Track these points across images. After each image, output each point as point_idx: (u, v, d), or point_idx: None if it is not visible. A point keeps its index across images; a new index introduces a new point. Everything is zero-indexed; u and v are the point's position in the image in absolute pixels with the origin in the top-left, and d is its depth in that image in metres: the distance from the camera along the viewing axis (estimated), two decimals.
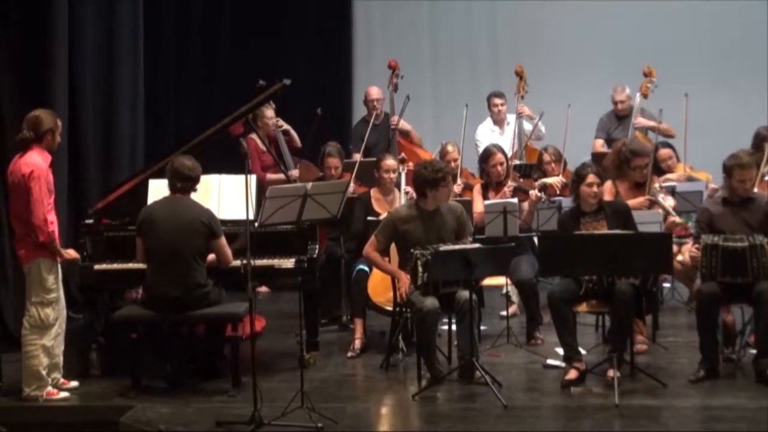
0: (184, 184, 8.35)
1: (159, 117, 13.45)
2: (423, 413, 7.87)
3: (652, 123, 11.97)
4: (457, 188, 10.77)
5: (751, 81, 13.26)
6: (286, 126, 11.75)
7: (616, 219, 8.70)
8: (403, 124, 12.22)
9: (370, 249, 8.80)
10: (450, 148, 11.27)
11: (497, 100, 12.34)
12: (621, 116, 12.25)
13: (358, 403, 8.14)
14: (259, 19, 14.22)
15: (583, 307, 8.60)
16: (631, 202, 9.50)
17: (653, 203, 9.75)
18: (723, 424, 7.40)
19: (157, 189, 8.82)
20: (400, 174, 10.22)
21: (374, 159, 10.74)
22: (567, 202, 9.66)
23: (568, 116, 11.07)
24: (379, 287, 9.31)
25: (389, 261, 8.99)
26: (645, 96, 12.14)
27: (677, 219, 9.69)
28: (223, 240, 8.38)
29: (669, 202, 9.77)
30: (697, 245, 8.38)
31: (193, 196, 8.46)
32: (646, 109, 12.18)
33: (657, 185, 10.04)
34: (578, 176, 8.81)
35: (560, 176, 10.65)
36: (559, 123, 11.37)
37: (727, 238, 8.24)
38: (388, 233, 8.71)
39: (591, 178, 8.71)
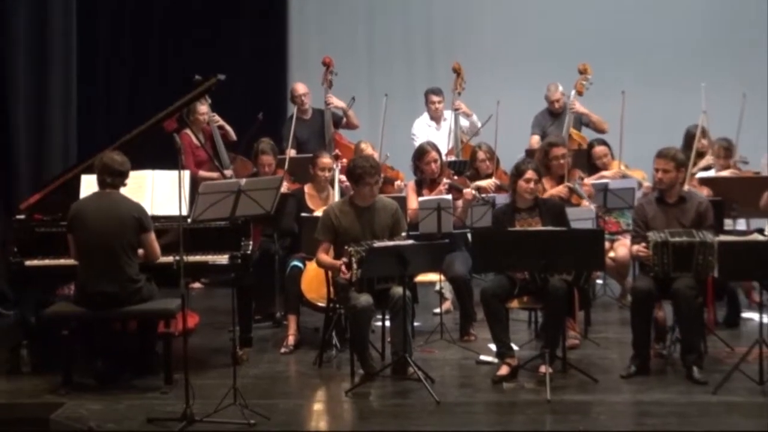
0: (113, 179, 8.29)
1: (92, 113, 13.34)
2: (356, 409, 7.88)
3: (586, 111, 12.08)
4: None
5: (686, 79, 13.36)
6: (220, 121, 11.71)
7: (550, 217, 8.76)
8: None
9: (319, 254, 8.72)
10: (363, 146, 11.30)
11: (435, 98, 12.38)
12: (555, 114, 12.32)
13: (290, 399, 8.12)
14: (193, 15, 14.16)
15: (516, 304, 8.65)
16: (552, 191, 9.62)
17: (572, 191, 9.85)
18: (653, 419, 7.46)
19: (90, 184, 8.73)
20: (333, 170, 10.21)
21: (307, 155, 10.72)
22: (501, 199, 9.72)
23: (497, 113, 11.10)
24: (313, 284, 9.30)
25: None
26: (580, 93, 12.21)
27: (591, 206, 9.82)
28: (153, 235, 8.33)
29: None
30: (644, 244, 8.44)
31: (126, 192, 8.40)
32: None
33: (577, 177, 10.15)
34: (517, 171, 8.85)
35: (493, 178, 10.68)
36: (492, 120, 11.37)
37: (673, 234, 8.33)
38: (328, 230, 8.69)
39: (530, 173, 8.76)
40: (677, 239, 8.29)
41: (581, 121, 12.31)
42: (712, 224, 8.57)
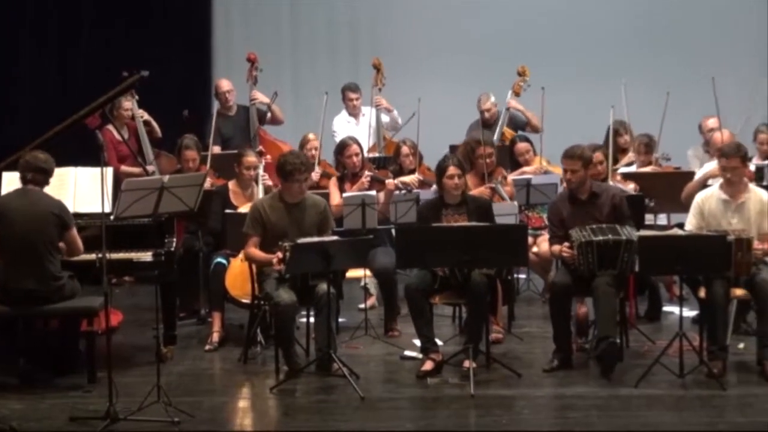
0: (35, 175, 8.21)
1: (14, 108, 13.21)
2: (281, 406, 7.88)
3: (522, 107, 12.20)
4: (315, 176, 10.78)
5: (607, 74, 13.49)
6: (146, 117, 11.62)
7: (477, 214, 8.79)
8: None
9: (248, 248, 8.70)
10: (311, 136, 11.35)
11: (351, 94, 12.38)
12: (488, 124, 12.37)
13: (215, 396, 8.10)
14: (117, 10, 14.05)
15: (439, 299, 8.70)
16: (475, 191, 9.69)
17: (494, 191, 9.93)
18: (575, 412, 7.55)
19: (11, 182, 8.64)
20: (258, 167, 10.19)
21: (231, 152, 10.70)
22: (425, 195, 9.76)
23: (419, 110, 11.14)
24: (238, 280, 9.27)
25: None
26: (517, 94, 12.36)
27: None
28: (75, 231, 8.26)
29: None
30: (567, 244, 8.51)
31: (49, 189, 8.33)
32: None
33: (500, 177, 10.23)
34: (440, 169, 8.88)
35: (416, 174, 10.72)
36: (426, 116, 11.39)
37: (596, 232, 8.39)
38: (257, 224, 8.68)
39: (452, 170, 8.78)
40: (601, 238, 8.36)
41: (516, 126, 12.40)
42: (629, 215, 8.66)
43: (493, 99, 12.36)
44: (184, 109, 11.93)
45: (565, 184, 10.25)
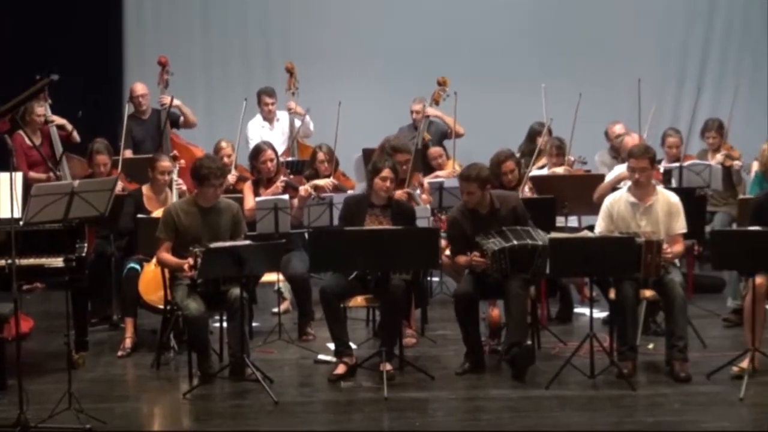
0: None
1: None
2: (194, 411, 7.85)
3: (440, 113, 12.29)
4: (231, 178, 10.75)
5: (523, 79, 13.62)
6: (60, 121, 11.47)
7: (402, 218, 8.82)
8: None
9: (161, 253, 8.65)
10: (224, 144, 11.29)
11: (267, 99, 12.37)
12: (417, 127, 12.43)
13: (128, 402, 8.06)
14: (27, 13, 13.89)
15: (354, 302, 8.71)
16: None
17: (410, 197, 9.98)
18: (488, 414, 7.62)
19: None
20: (171, 172, 10.13)
21: (144, 156, 10.63)
22: (339, 199, 9.76)
23: (339, 114, 11.15)
24: (151, 285, 9.22)
25: None
26: (436, 102, 12.47)
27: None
28: None
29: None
30: (477, 253, 8.53)
31: None
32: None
33: (417, 183, 10.27)
34: (374, 169, 8.88)
35: (331, 177, 10.73)
36: (340, 122, 11.39)
37: (507, 238, 8.44)
38: (170, 228, 8.63)
39: (386, 172, 8.79)
40: (516, 243, 8.41)
41: (439, 134, 12.47)
42: (528, 216, 8.74)
43: (424, 103, 12.45)
44: (94, 112, 11.81)
45: None
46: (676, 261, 8.84)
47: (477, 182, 8.64)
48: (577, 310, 10.32)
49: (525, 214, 8.77)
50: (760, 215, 8.49)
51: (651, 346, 9.02)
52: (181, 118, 12.15)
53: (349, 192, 10.30)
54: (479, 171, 8.71)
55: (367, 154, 11.35)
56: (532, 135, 11.90)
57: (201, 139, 12.63)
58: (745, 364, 8.13)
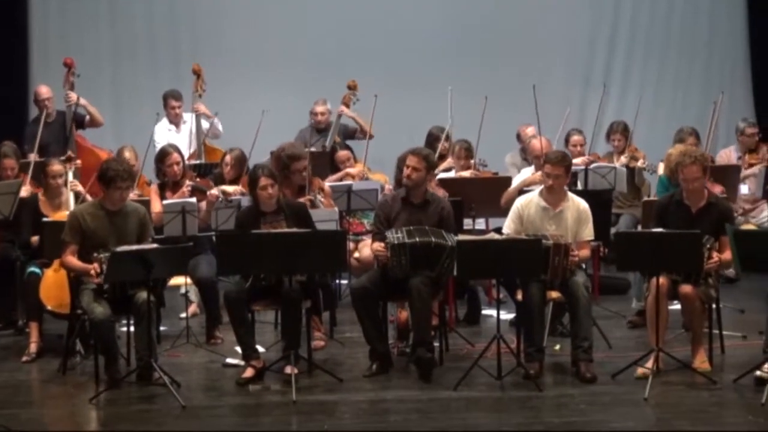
0: None
1: None
2: (101, 416, 7.82)
3: (353, 114, 12.38)
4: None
5: (430, 82, 13.70)
6: None
7: (295, 219, 8.82)
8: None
9: (66, 257, 8.54)
10: (127, 154, 11.13)
11: (173, 102, 12.30)
12: (320, 129, 12.43)
13: (33, 408, 8.00)
14: None
15: (260, 305, 8.70)
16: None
17: (312, 203, 9.98)
18: (396, 415, 7.66)
19: None
20: (67, 173, 10.01)
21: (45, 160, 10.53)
22: (246, 202, 9.73)
23: (261, 122, 11.12)
24: (52, 291, 9.09)
25: None
26: (347, 106, 12.50)
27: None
28: None
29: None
30: (383, 244, 8.57)
31: None
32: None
33: (317, 189, 10.27)
34: (252, 180, 8.88)
35: (239, 182, 10.69)
36: (250, 125, 11.36)
37: (411, 234, 8.48)
38: (76, 232, 8.54)
39: (263, 181, 8.77)
40: (415, 240, 8.46)
41: (346, 135, 12.50)
42: (454, 229, 8.78)
43: (328, 105, 12.46)
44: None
45: (386, 189, 10.40)
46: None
47: (426, 162, 8.73)
48: (485, 311, 10.38)
49: (450, 219, 8.81)
50: (662, 217, 8.64)
51: (557, 347, 9.11)
52: (87, 118, 12.01)
53: None
54: (429, 153, 8.87)
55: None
56: (432, 140, 11.96)
57: (107, 141, 12.52)
58: (649, 364, 8.25)
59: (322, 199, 10.06)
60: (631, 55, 14.85)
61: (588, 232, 8.75)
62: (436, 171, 10.81)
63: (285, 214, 8.86)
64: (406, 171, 8.81)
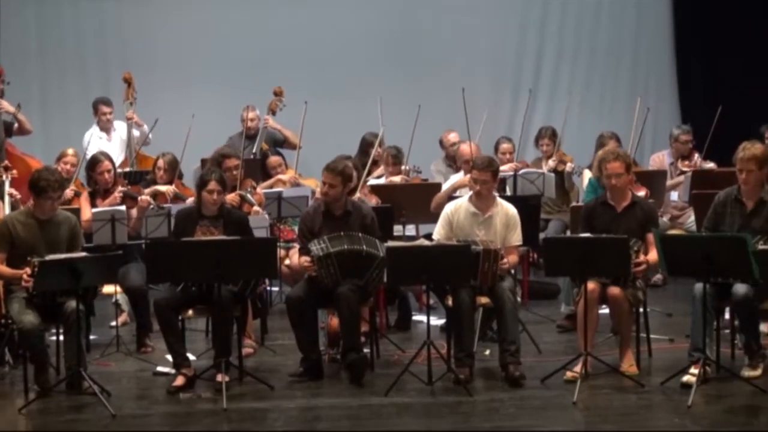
0: None
1: None
2: (31, 426, 7.77)
3: (279, 126, 12.34)
4: (68, 192, 10.59)
5: (361, 89, 13.75)
6: None
7: (234, 228, 8.81)
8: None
9: None
10: (70, 151, 11.10)
11: (105, 108, 12.26)
12: (250, 135, 12.43)
13: None
14: None
15: (190, 313, 8.68)
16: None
17: (243, 199, 10.01)
18: (327, 422, 7.68)
19: None
20: (3, 183, 9.95)
21: None
22: (176, 210, 9.71)
23: (191, 126, 11.09)
24: None
25: None
26: (273, 113, 12.55)
27: (265, 214, 10.04)
28: None
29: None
30: (309, 258, 8.59)
31: None
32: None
33: (249, 187, 10.30)
34: (201, 181, 8.88)
35: (173, 185, 10.68)
36: (181, 132, 11.33)
37: (333, 242, 8.51)
38: (5, 240, 8.47)
39: (212, 185, 8.79)
40: (341, 248, 8.49)
41: (275, 143, 12.50)
42: (379, 236, 8.82)
43: (257, 112, 12.47)
44: None
45: (317, 195, 10.42)
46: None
47: (341, 176, 8.74)
48: (416, 317, 10.41)
49: (374, 226, 8.83)
50: (589, 220, 8.75)
51: (487, 352, 9.16)
52: (15, 125, 11.90)
53: (189, 201, 10.25)
54: (345, 166, 8.85)
55: (204, 164, 11.29)
56: (365, 146, 12.01)
57: (37, 149, 12.45)
58: (578, 368, 8.33)
59: (252, 198, 10.10)
60: (558, 62, 15.00)
61: (516, 238, 8.83)
62: (369, 177, 10.88)
63: (224, 221, 8.85)
64: (322, 188, 8.86)
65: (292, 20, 14.50)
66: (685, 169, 12.20)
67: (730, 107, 12.30)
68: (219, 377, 8.21)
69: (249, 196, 10.14)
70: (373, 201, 10.40)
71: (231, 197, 10.03)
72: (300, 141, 12.20)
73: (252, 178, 10.81)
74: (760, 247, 8.01)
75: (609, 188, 8.75)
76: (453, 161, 11.88)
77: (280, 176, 11.41)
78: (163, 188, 10.45)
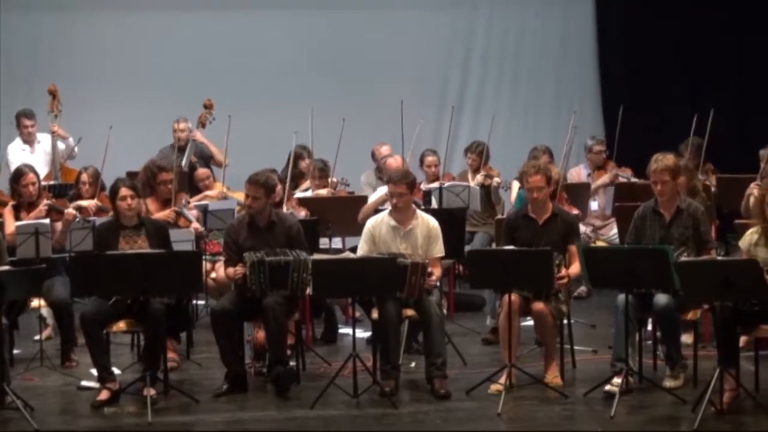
0: None
1: None
2: None
3: (207, 141, 12.37)
4: None
5: (291, 102, 13.76)
6: None
7: (156, 238, 8.80)
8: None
9: None
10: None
11: (27, 121, 12.17)
12: (181, 147, 12.39)
13: None
14: None
15: (116, 327, 8.64)
16: (159, 214, 9.70)
17: (179, 214, 9.98)
18: None
19: None
20: None
21: None
22: (101, 222, 9.66)
23: (109, 138, 11.02)
24: None
25: None
26: (203, 125, 12.53)
27: (201, 228, 10.02)
28: None
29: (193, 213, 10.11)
30: (241, 264, 8.59)
31: None
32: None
33: (184, 201, 10.28)
34: (113, 191, 8.85)
35: (95, 199, 10.61)
36: (101, 144, 11.26)
37: (268, 253, 8.54)
38: None
39: (123, 191, 8.76)
40: (273, 258, 8.52)
41: (203, 156, 12.47)
42: (306, 247, 8.84)
43: (189, 123, 12.44)
44: None
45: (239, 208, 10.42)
46: None
47: (264, 188, 8.74)
48: (342, 330, 10.42)
49: (300, 237, 8.85)
50: (511, 234, 8.84)
51: (413, 364, 9.21)
52: None
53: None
54: (267, 178, 8.84)
55: (132, 176, 11.22)
56: (294, 158, 12.03)
57: None
58: (502, 380, 8.39)
59: (192, 210, 10.07)
60: (485, 77, 15.08)
61: (438, 249, 8.86)
62: (295, 190, 10.88)
63: (146, 230, 8.83)
64: (246, 200, 8.85)
65: (219, 33, 14.48)
66: (622, 174, 12.33)
67: (652, 121, 12.45)
68: (145, 391, 8.17)
69: (186, 211, 10.09)
70: (302, 213, 10.42)
71: (167, 213, 10.00)
72: (226, 157, 12.14)
73: (182, 191, 10.78)
74: (682, 259, 8.13)
75: (530, 201, 8.84)
76: (384, 173, 11.93)
77: (207, 193, 11.37)
78: (85, 203, 10.37)
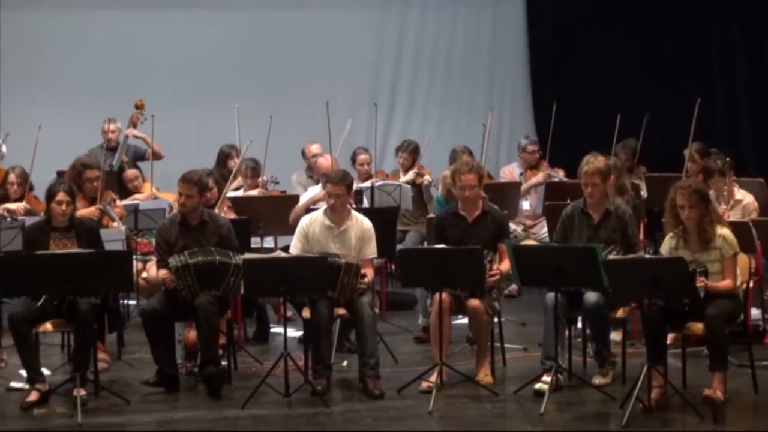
0: None
1: None
2: None
3: (143, 135, 12.28)
4: None
5: (218, 100, 13.73)
6: None
7: (87, 237, 8.75)
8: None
9: None
10: None
11: None
12: (111, 147, 12.31)
13: None
14: None
15: (44, 327, 8.57)
16: (83, 212, 9.65)
17: (103, 212, 9.94)
18: None
19: None
20: None
21: None
22: (30, 221, 9.59)
23: (38, 138, 10.94)
24: None
25: None
26: (134, 125, 12.44)
27: (122, 227, 9.97)
28: None
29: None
30: (166, 271, 8.58)
31: None
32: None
33: (109, 199, 10.23)
34: (50, 193, 8.79)
35: (24, 200, 10.52)
36: (30, 144, 11.18)
37: (193, 254, 8.52)
38: None
39: (61, 195, 8.70)
40: (198, 259, 8.51)
41: (136, 156, 12.40)
42: (237, 246, 8.83)
43: (119, 124, 12.36)
44: None
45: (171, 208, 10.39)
46: None
47: (197, 186, 8.72)
48: (274, 329, 10.41)
49: (230, 237, 8.85)
50: (441, 232, 8.88)
51: (345, 363, 9.22)
52: None
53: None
54: (201, 176, 8.83)
55: (61, 176, 11.16)
56: (223, 157, 12.02)
57: None
58: (433, 378, 8.43)
59: (116, 209, 10.02)
60: (415, 76, 15.16)
61: (371, 251, 8.89)
62: (227, 189, 10.84)
63: (76, 231, 8.77)
64: (180, 199, 8.82)
65: (148, 33, 14.42)
66: (554, 174, 12.42)
67: (583, 120, 12.55)
68: (75, 392, 8.11)
69: (110, 209, 10.05)
70: (230, 215, 10.38)
71: (91, 211, 9.94)
72: (157, 150, 12.11)
73: (109, 190, 10.71)
74: (610, 257, 8.21)
75: (462, 199, 8.87)
76: (314, 173, 11.92)
77: (136, 196, 11.30)
78: (13, 206, 10.26)
